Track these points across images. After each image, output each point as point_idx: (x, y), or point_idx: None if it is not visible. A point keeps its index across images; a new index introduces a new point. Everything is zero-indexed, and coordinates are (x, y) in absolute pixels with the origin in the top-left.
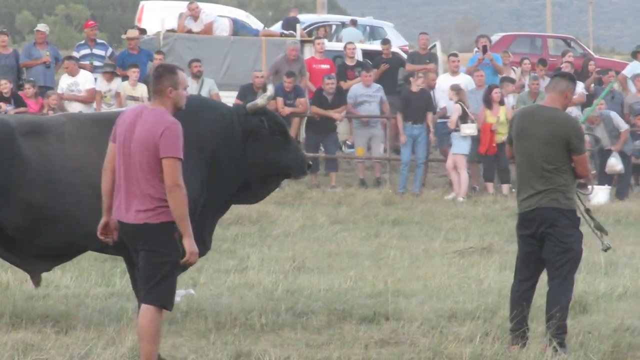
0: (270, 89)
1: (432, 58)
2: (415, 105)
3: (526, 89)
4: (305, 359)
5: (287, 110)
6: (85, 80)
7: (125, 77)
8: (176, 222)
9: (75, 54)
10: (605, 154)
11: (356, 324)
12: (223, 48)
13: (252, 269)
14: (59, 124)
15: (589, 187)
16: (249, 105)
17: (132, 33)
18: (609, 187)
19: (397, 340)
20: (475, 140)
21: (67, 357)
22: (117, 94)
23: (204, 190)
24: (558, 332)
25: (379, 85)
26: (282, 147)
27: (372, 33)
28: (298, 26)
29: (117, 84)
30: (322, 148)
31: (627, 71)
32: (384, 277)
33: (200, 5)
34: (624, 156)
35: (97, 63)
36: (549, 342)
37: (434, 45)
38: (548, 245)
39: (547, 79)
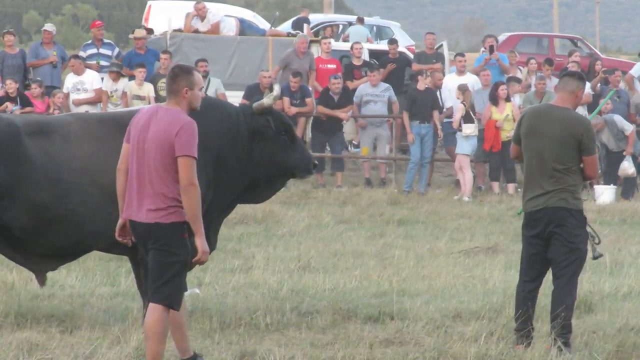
0: (277, 89)
1: (439, 58)
2: (421, 104)
3: (532, 88)
4: (310, 358)
5: (294, 110)
6: (92, 80)
7: (132, 77)
8: (189, 221)
9: (82, 54)
10: (613, 157)
11: (361, 324)
12: (230, 48)
13: (257, 268)
14: (65, 123)
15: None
16: (255, 104)
17: (140, 33)
18: (615, 186)
19: (401, 340)
20: (481, 140)
21: (72, 356)
22: (124, 94)
23: (209, 190)
24: (563, 332)
25: (387, 85)
26: (288, 147)
27: (379, 33)
28: (306, 25)
29: (123, 83)
30: (328, 148)
31: (634, 71)
32: (389, 277)
33: (207, 5)
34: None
35: (103, 63)
36: (554, 341)
37: (441, 45)
38: (555, 245)
39: (554, 79)
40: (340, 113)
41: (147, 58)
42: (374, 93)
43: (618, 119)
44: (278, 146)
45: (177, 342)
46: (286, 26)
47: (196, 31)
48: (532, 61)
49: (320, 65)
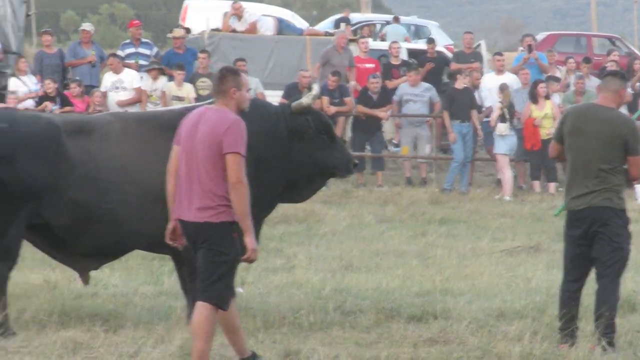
0: (316, 88)
1: (477, 57)
2: (460, 103)
3: (571, 88)
4: (353, 357)
5: (333, 109)
6: (130, 79)
7: (171, 77)
8: (238, 219)
9: (121, 53)
10: None
11: (404, 323)
12: (267, 47)
13: (300, 267)
14: (104, 123)
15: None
16: (294, 104)
17: (178, 32)
18: None
19: (445, 339)
20: (521, 139)
21: (117, 355)
22: (163, 94)
23: (251, 190)
24: (607, 331)
25: (428, 85)
26: (328, 146)
27: (417, 32)
28: (343, 25)
29: (162, 82)
30: (368, 147)
31: None
32: (432, 276)
33: (244, 4)
34: None
35: (142, 62)
36: (598, 341)
37: (479, 45)
38: (599, 244)
39: (592, 78)
40: (379, 112)
41: (186, 57)
42: (413, 93)
43: None
44: (317, 146)
45: (235, 344)
46: (324, 25)
47: (234, 31)
48: (571, 60)
49: (359, 65)
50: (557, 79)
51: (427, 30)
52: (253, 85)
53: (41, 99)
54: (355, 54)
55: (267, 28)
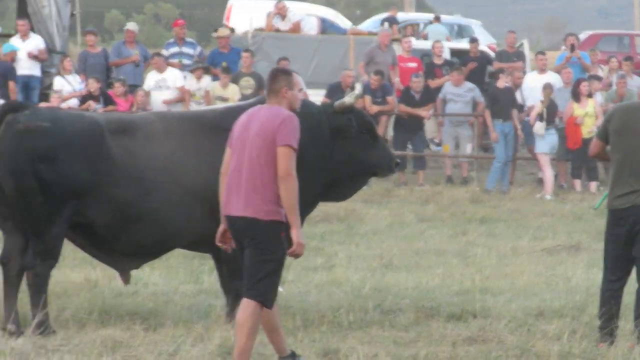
0: (358, 87)
1: (520, 56)
2: (502, 102)
3: (613, 87)
4: (392, 356)
5: (375, 108)
6: (174, 78)
7: (215, 77)
8: (286, 212)
9: (165, 52)
10: None
11: (444, 322)
12: (311, 46)
13: (340, 266)
14: (147, 122)
15: None
16: (336, 103)
17: (223, 32)
18: None
19: (484, 338)
20: (563, 138)
21: (156, 354)
22: (206, 93)
23: None
24: None
25: (472, 85)
26: (370, 145)
27: (460, 31)
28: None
29: (206, 82)
30: (409, 146)
31: None
32: (472, 275)
33: (288, 4)
34: None
35: (186, 61)
36: (637, 340)
37: (522, 44)
38: None
39: (635, 77)
40: (421, 111)
41: (231, 57)
42: (456, 92)
43: None
44: (360, 145)
45: (275, 343)
46: (368, 24)
47: (277, 30)
48: (613, 60)
49: (402, 64)
50: (599, 78)
51: (470, 29)
52: None
53: (85, 98)
54: (398, 53)
55: (311, 27)
